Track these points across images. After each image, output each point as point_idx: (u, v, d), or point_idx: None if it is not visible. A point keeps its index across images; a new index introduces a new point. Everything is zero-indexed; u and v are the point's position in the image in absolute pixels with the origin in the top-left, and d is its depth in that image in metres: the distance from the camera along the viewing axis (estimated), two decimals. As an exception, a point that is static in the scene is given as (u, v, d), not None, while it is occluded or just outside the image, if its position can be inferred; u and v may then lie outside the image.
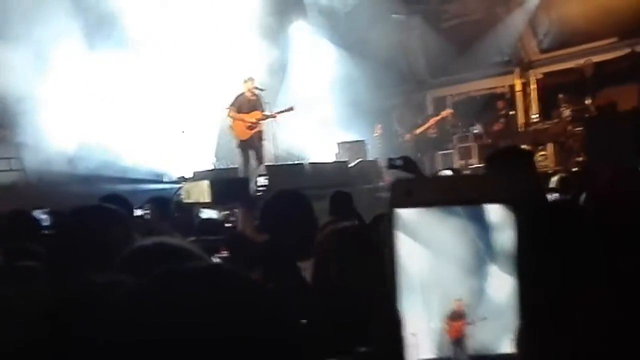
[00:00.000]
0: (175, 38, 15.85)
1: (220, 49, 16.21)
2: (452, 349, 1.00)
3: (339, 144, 16.80)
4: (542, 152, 15.68)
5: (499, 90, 18.91)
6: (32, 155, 13.93)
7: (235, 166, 15.14)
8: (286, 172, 13.58)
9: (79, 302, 1.70)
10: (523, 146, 14.59)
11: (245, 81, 14.55)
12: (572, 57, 16.77)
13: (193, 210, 5.66)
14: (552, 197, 6.63)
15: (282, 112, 14.51)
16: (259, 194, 12.60)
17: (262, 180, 13.11)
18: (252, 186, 13.12)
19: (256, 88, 14.49)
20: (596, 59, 15.85)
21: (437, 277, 0.99)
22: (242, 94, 14.58)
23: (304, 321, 2.54)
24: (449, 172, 10.21)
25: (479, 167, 15.07)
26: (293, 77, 17.56)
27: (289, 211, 4.05)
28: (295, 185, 11.39)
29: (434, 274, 0.98)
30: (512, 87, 18.73)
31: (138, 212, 5.98)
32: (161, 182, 15.20)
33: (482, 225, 0.99)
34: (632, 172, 4.55)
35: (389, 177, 13.98)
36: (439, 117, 17.01)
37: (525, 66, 18.40)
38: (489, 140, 16.55)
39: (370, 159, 15.89)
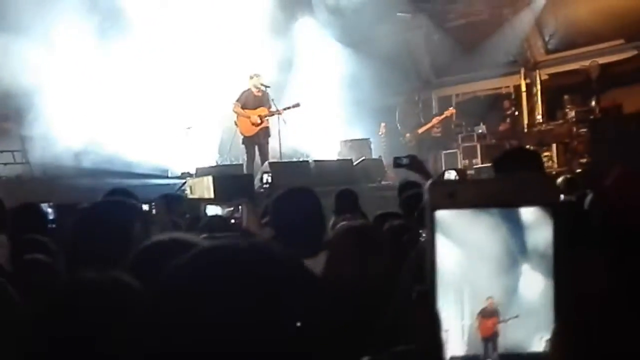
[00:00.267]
0: (182, 34, 15.84)
1: (227, 45, 16.21)
2: (483, 347, 1.01)
3: (343, 141, 16.80)
4: (546, 153, 15.69)
5: (504, 91, 18.92)
6: (38, 149, 13.95)
7: (240, 162, 15.14)
8: (290, 170, 13.57)
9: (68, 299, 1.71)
10: (527, 147, 14.64)
11: (252, 77, 14.54)
12: (578, 58, 16.78)
13: (200, 207, 5.64)
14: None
15: (288, 108, 14.47)
16: (262, 190, 12.60)
17: (266, 177, 13.10)
18: (256, 183, 13.12)
19: (262, 84, 14.47)
20: (602, 60, 15.86)
21: (470, 276, 1.00)
22: (248, 90, 14.56)
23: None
24: (452, 172, 10.21)
25: (483, 167, 15.06)
26: (299, 74, 17.54)
27: (299, 209, 4.05)
28: (298, 182, 11.40)
29: (467, 272, 1.00)
30: (517, 87, 18.73)
31: (145, 207, 5.99)
32: (166, 177, 15.19)
33: (516, 225, 1.00)
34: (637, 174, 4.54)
35: (393, 174, 13.99)
36: (442, 117, 17.04)
37: (531, 67, 18.41)
38: (493, 140, 16.56)
39: (374, 157, 15.89)
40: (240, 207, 4.88)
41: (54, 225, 6.45)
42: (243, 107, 14.54)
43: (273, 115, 14.44)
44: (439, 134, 17.09)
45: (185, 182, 13.96)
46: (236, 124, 14.83)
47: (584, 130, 14.39)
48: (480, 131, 17.34)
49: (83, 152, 14.18)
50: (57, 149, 13.70)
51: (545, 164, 14.92)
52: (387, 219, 4.91)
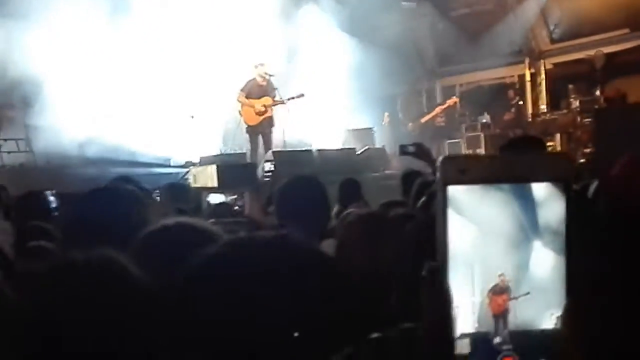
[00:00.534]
0: (186, 23, 15.82)
1: (231, 34, 16.19)
2: (493, 324, 1.01)
3: (346, 131, 16.79)
4: (551, 143, 15.67)
5: (508, 80, 18.89)
6: (42, 138, 13.95)
7: (243, 151, 15.13)
8: (293, 158, 13.56)
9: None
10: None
11: (256, 66, 14.52)
12: (582, 47, 16.75)
13: (202, 195, 5.65)
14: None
15: (293, 98, 14.45)
16: (266, 179, 12.61)
17: (269, 166, 13.10)
18: (259, 172, 13.12)
19: (267, 74, 14.45)
20: (607, 50, 15.82)
21: (481, 252, 0.99)
22: (253, 79, 14.55)
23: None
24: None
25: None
26: (303, 63, 17.51)
27: (304, 196, 4.06)
28: (302, 171, 11.41)
29: (478, 249, 0.99)
30: (521, 77, 18.70)
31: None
32: (169, 166, 15.20)
33: (527, 202, 0.99)
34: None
35: (396, 164, 13.98)
36: (445, 106, 17.03)
37: (536, 56, 18.37)
38: (497, 130, 16.54)
39: (378, 146, 15.87)
40: (243, 195, 4.89)
41: (57, 213, 6.46)
42: (247, 97, 14.54)
43: (277, 104, 14.44)
44: (442, 124, 17.07)
45: (188, 171, 13.97)
46: (240, 113, 14.83)
47: (588, 120, 14.36)
48: (484, 121, 17.33)
49: (87, 142, 14.18)
50: (61, 138, 13.70)
51: (550, 154, 14.93)
52: (392, 208, 4.91)
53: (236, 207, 4.28)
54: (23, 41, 13.27)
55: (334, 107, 17.13)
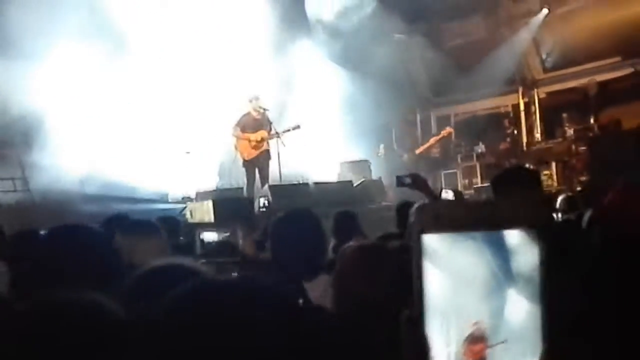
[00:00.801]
0: (181, 58, 15.90)
1: (225, 68, 16.27)
2: (470, 372, 1.01)
3: (342, 163, 16.81)
4: (546, 172, 15.70)
5: (502, 110, 18.95)
6: (40, 176, 13.92)
7: (240, 186, 15.13)
8: (290, 192, 13.58)
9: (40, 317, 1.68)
10: (526, 166, 14.66)
11: (251, 100, 14.56)
12: (575, 76, 16.85)
13: (196, 232, 5.59)
14: (558, 217, 6.64)
15: (288, 130, 14.47)
16: (261, 214, 12.62)
17: (263, 201, 13.14)
18: (256, 206, 13.13)
19: (261, 107, 14.49)
20: (599, 78, 15.91)
21: (456, 301, 1.00)
22: (248, 113, 14.58)
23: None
24: (450, 192, 10.20)
25: (483, 186, 15.06)
26: (298, 96, 17.59)
27: (297, 231, 4.06)
28: (299, 205, 11.42)
29: (453, 297, 1.00)
30: (515, 106, 18.77)
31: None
32: (167, 202, 15.19)
33: (501, 249, 1.00)
34: (636, 191, 4.55)
35: (393, 195, 13.99)
36: (439, 137, 17.07)
37: (529, 85, 18.46)
38: (493, 160, 16.57)
39: (374, 178, 15.89)
40: (236, 231, 4.89)
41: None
42: (243, 130, 14.55)
43: (273, 137, 14.45)
44: (438, 154, 17.11)
45: (185, 207, 13.96)
46: (236, 148, 14.85)
47: (583, 148, 14.40)
48: (479, 151, 17.36)
49: (86, 179, 14.16)
50: (60, 175, 13.68)
51: (546, 183, 14.97)
52: (389, 240, 4.91)
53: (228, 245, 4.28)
54: (24, 80, 13.30)
55: (330, 139, 17.18)
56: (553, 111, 16.87)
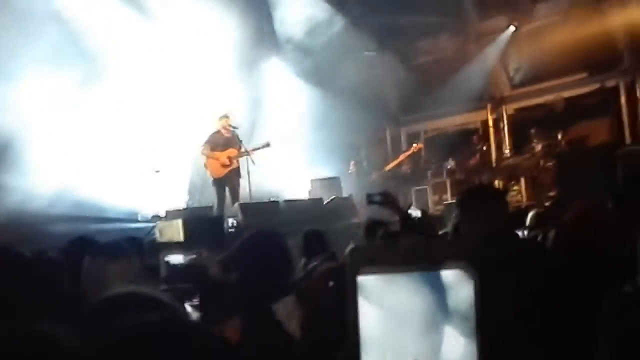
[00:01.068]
0: (150, 77, 15.85)
1: (194, 86, 16.26)
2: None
3: (313, 180, 16.81)
4: (516, 187, 15.81)
5: (471, 126, 19.09)
6: (8, 196, 13.74)
7: (210, 204, 15.08)
8: (261, 210, 13.57)
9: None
10: (495, 182, 14.77)
11: (220, 118, 14.56)
12: (542, 92, 17.02)
13: (161, 254, 5.53)
14: (524, 235, 6.69)
15: (258, 148, 14.48)
16: (230, 233, 12.61)
17: (232, 221, 13.12)
18: (226, 225, 13.09)
19: (231, 125, 14.48)
20: (566, 94, 16.09)
21: (393, 338, 0.99)
22: (217, 131, 14.56)
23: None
24: (417, 211, 10.22)
25: (453, 202, 15.10)
26: (267, 114, 17.62)
27: (262, 253, 4.04)
28: (269, 222, 11.41)
29: (390, 335, 0.99)
30: (484, 122, 18.90)
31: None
32: (137, 220, 15.09)
33: (437, 287, 1.00)
34: (598, 207, 4.61)
35: (364, 213, 14.01)
36: (409, 152, 17.15)
37: (497, 102, 18.60)
38: (462, 176, 16.66)
39: (345, 195, 15.90)
40: (201, 253, 4.87)
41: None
42: (212, 149, 14.53)
43: (242, 156, 14.44)
44: (408, 171, 17.18)
45: (155, 226, 13.86)
46: (205, 166, 14.82)
47: (551, 163, 14.53)
48: (449, 167, 17.44)
49: (55, 199, 14.01)
50: (28, 196, 13.53)
51: (514, 198, 15.09)
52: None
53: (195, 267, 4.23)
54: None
55: (300, 156, 17.20)
56: (521, 127, 17.00)
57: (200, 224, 12.62)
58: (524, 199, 15.54)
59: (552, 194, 14.22)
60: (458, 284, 1.00)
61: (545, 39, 16.40)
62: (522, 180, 16.12)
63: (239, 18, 15.85)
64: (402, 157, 17.03)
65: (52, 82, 13.87)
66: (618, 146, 13.72)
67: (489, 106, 18.77)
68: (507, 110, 18.50)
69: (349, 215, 14.49)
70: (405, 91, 19.27)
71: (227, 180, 14.54)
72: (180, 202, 16.00)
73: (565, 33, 15.70)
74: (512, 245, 4.16)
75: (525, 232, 7.05)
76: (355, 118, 17.25)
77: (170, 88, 16.05)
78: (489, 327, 0.99)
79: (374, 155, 17.62)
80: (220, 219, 13.24)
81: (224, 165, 14.45)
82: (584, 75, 16.28)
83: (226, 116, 14.58)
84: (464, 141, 17.67)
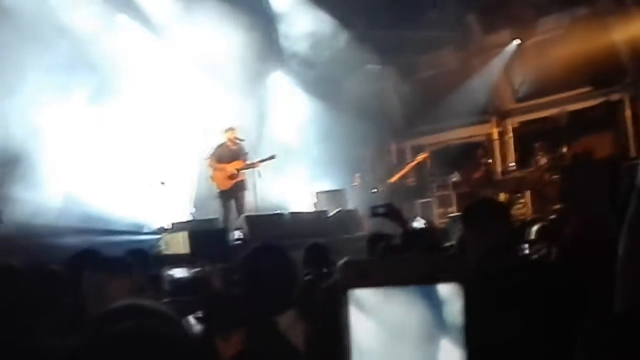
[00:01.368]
0: (157, 89, 15.95)
1: (200, 99, 16.34)
2: None
3: (317, 193, 16.84)
4: (521, 200, 15.81)
5: (476, 139, 19.10)
6: (15, 208, 13.78)
7: (215, 217, 15.13)
8: (266, 222, 13.63)
9: None
10: (500, 195, 14.78)
11: (226, 131, 14.63)
12: (547, 106, 17.03)
13: (165, 267, 5.55)
14: (527, 249, 6.70)
15: (264, 160, 14.55)
16: (236, 245, 12.65)
17: (238, 234, 13.17)
18: (231, 237, 13.14)
19: (237, 138, 14.55)
20: (571, 107, 16.11)
21: (389, 354, 1.00)
22: (223, 143, 14.64)
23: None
24: (421, 220, 10.26)
25: (458, 216, 15.10)
26: (273, 127, 17.69)
27: (266, 267, 4.07)
28: (275, 235, 11.46)
29: (385, 350, 1.00)
30: (489, 135, 18.93)
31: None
32: (142, 233, 15.12)
33: (433, 300, 1.01)
34: (598, 221, 4.64)
35: (368, 226, 14.04)
36: (414, 162, 17.16)
37: (502, 115, 18.64)
38: (467, 189, 16.67)
39: (350, 208, 15.93)
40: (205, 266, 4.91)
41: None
42: (218, 161, 14.60)
43: (248, 168, 14.51)
44: (413, 183, 17.21)
45: (160, 238, 13.91)
46: (212, 179, 14.87)
47: (556, 176, 14.54)
48: (454, 179, 17.45)
49: (62, 211, 14.06)
50: (36, 207, 13.58)
51: (520, 211, 15.08)
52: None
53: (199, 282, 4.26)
54: (1, 114, 13.26)
55: (305, 169, 17.24)
56: (526, 140, 17.02)
57: (206, 236, 12.68)
58: (530, 211, 15.54)
59: (557, 207, 14.22)
60: (455, 296, 1.02)
61: (549, 53, 16.43)
62: (527, 194, 16.12)
63: (245, 32, 15.92)
64: (408, 167, 17.06)
65: (61, 96, 13.96)
66: (622, 160, 13.71)
67: (493, 119, 18.81)
68: (512, 123, 18.54)
69: (354, 227, 14.53)
70: (409, 104, 19.32)
71: (233, 193, 14.60)
72: (185, 214, 16.04)
73: (570, 47, 15.73)
74: (515, 259, 4.19)
75: (529, 246, 7.07)
76: (360, 131, 17.30)
77: (177, 101, 16.13)
78: (476, 342, 1.02)
79: (379, 169, 17.63)
80: (225, 231, 13.29)
81: (230, 178, 14.51)
82: (588, 89, 16.29)
83: (232, 129, 14.66)
84: (469, 154, 17.67)
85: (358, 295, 1.00)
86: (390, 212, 6.10)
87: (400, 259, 1.11)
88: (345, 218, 14.85)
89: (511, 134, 18.48)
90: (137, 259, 6.29)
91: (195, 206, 16.64)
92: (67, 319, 2.29)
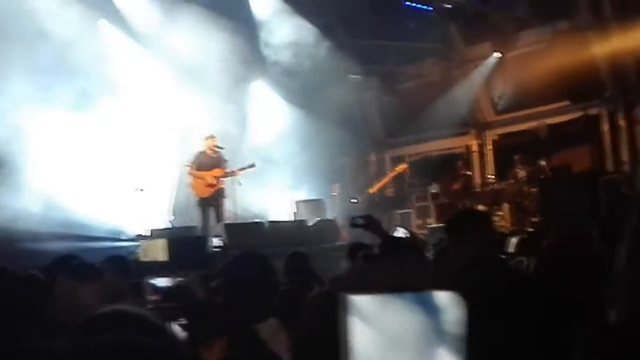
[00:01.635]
0: (136, 96, 15.89)
1: (180, 106, 16.30)
2: None
3: (297, 202, 16.84)
4: (499, 212, 15.88)
5: (456, 151, 19.20)
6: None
7: (194, 224, 15.08)
8: (245, 231, 13.61)
9: None
10: (479, 207, 14.84)
11: (206, 138, 14.60)
12: (526, 118, 17.13)
13: (145, 277, 5.52)
14: (507, 260, 6.72)
15: (244, 169, 14.52)
16: (215, 253, 12.61)
17: (217, 241, 13.13)
18: (210, 245, 13.09)
19: (216, 146, 14.52)
20: (550, 121, 16.21)
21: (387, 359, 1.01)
22: (203, 151, 14.61)
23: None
24: (401, 230, 10.25)
25: (437, 226, 15.16)
26: (253, 136, 17.68)
27: (247, 275, 4.06)
28: (254, 243, 11.43)
29: (384, 356, 1.00)
30: (468, 147, 19.01)
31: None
32: (120, 239, 15.03)
33: (430, 309, 1.02)
34: (577, 234, 4.67)
35: (347, 235, 14.05)
36: (394, 173, 17.19)
37: (481, 127, 18.73)
38: (446, 200, 16.73)
39: (329, 217, 15.94)
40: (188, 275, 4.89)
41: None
42: (198, 169, 14.56)
43: (228, 176, 14.47)
44: (392, 194, 17.24)
45: (139, 245, 13.82)
46: (191, 186, 14.82)
47: (534, 189, 14.62)
48: (433, 191, 17.51)
49: (43, 216, 13.93)
50: (16, 212, 13.46)
51: (498, 223, 15.13)
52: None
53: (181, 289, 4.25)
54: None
55: (285, 178, 17.24)
56: (505, 153, 17.11)
57: (185, 244, 12.63)
58: (508, 224, 15.61)
59: (535, 219, 14.30)
60: (451, 305, 1.02)
61: (529, 67, 16.52)
62: (506, 206, 16.21)
63: (227, 40, 15.90)
64: (387, 177, 17.09)
65: (44, 100, 13.87)
66: (600, 174, 13.82)
67: (473, 131, 18.90)
68: (491, 135, 18.64)
69: (333, 237, 14.53)
70: (390, 115, 19.39)
71: (212, 200, 14.55)
72: (164, 221, 15.98)
73: (549, 61, 15.82)
74: (498, 269, 4.20)
75: (508, 258, 7.09)
76: (340, 141, 17.34)
77: (157, 107, 16.08)
78: (473, 351, 1.01)
79: (358, 179, 17.65)
80: (204, 239, 13.24)
81: (210, 185, 14.47)
82: (567, 102, 16.41)
83: (212, 136, 14.63)
84: (448, 166, 17.75)
85: (357, 303, 1.00)
86: (370, 223, 6.07)
87: (401, 267, 1.10)
88: (325, 227, 14.86)
89: (490, 146, 18.56)
90: (117, 266, 6.26)
91: (174, 213, 16.58)
92: (51, 322, 2.26)
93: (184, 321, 3.51)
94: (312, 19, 17.13)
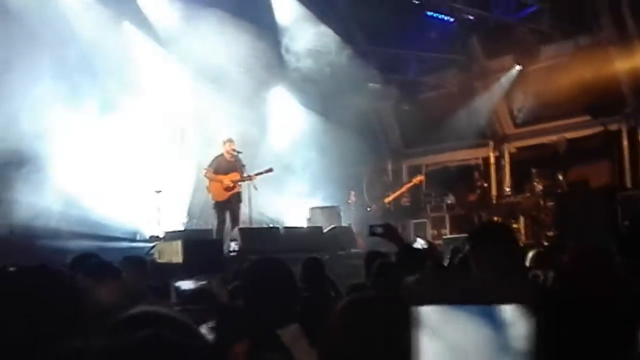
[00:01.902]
0: (157, 98, 15.98)
1: (199, 110, 16.37)
2: None
3: (313, 208, 16.84)
4: (515, 225, 15.82)
5: (473, 162, 19.16)
6: (10, 211, 13.74)
7: (209, 227, 15.11)
8: (260, 236, 13.61)
9: None
10: (494, 219, 14.80)
11: (225, 142, 14.63)
12: (545, 132, 17.08)
13: (170, 280, 5.52)
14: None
15: (261, 173, 14.50)
16: (230, 257, 12.64)
17: (233, 245, 13.15)
18: (225, 248, 13.12)
19: (235, 150, 14.55)
20: (569, 135, 16.15)
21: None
22: (221, 155, 14.63)
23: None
24: (421, 241, 10.22)
25: (452, 237, 15.12)
26: (271, 141, 17.71)
27: (269, 280, 4.08)
28: (268, 249, 11.45)
29: None
30: (486, 159, 18.97)
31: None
32: (135, 240, 15.09)
33: (496, 322, 1.02)
34: (596, 250, 4.64)
35: (362, 243, 14.05)
36: (410, 184, 17.18)
37: (500, 139, 18.69)
38: (462, 211, 16.69)
39: (344, 224, 15.94)
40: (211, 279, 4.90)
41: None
42: (215, 172, 14.59)
43: (245, 180, 14.49)
44: (407, 203, 17.21)
45: (154, 246, 13.86)
46: (208, 189, 14.86)
47: (551, 203, 14.57)
48: (449, 201, 17.47)
49: (60, 215, 14.01)
50: (37, 211, 13.55)
51: (514, 236, 15.05)
52: (359, 290, 4.95)
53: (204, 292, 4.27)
54: (2, 117, 13.24)
55: (301, 184, 17.26)
56: (523, 166, 17.07)
57: (200, 247, 12.64)
58: (523, 237, 15.56)
59: (551, 233, 14.25)
60: (518, 319, 1.02)
61: (550, 80, 16.51)
62: (522, 219, 16.16)
63: (248, 45, 15.95)
64: (403, 188, 17.07)
65: (68, 101, 13.97)
66: (618, 190, 13.76)
67: (491, 143, 18.86)
68: (509, 148, 18.60)
69: (348, 244, 14.51)
70: (408, 124, 19.39)
71: (229, 204, 14.57)
72: (179, 223, 16.03)
73: (570, 75, 15.81)
74: (524, 282, 4.18)
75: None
76: (358, 149, 17.34)
77: (176, 110, 16.16)
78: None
79: (375, 187, 17.63)
80: (219, 243, 13.26)
81: (227, 189, 14.50)
82: (586, 117, 16.36)
83: (230, 140, 14.65)
84: (465, 177, 17.72)
85: (425, 313, 1.00)
86: (388, 232, 6.06)
87: (469, 279, 1.11)
88: (340, 234, 14.84)
89: (508, 159, 18.51)
90: (135, 266, 6.30)
91: (189, 216, 16.63)
92: (85, 321, 2.28)
93: (212, 323, 3.53)
94: (333, 26, 17.17)
